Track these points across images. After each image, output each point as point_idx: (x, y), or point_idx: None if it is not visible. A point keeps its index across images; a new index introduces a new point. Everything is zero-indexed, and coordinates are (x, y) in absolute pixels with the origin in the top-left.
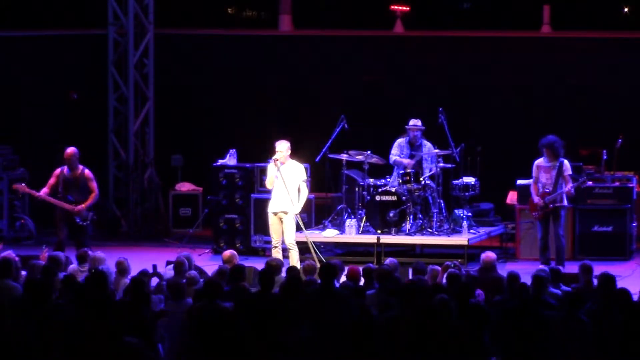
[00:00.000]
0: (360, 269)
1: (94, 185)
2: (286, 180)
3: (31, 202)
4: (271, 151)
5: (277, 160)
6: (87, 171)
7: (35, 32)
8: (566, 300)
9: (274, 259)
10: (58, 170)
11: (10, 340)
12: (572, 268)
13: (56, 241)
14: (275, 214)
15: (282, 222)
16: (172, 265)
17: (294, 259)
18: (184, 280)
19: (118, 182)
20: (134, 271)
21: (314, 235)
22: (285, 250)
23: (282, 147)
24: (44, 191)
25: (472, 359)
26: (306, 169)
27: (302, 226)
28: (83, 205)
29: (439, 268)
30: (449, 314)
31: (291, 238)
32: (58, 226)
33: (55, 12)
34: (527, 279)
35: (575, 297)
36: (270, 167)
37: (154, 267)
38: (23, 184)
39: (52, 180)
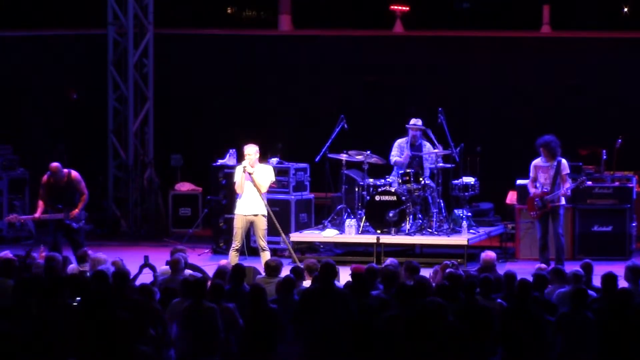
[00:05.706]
0: (364, 268)
1: (82, 186)
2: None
3: (31, 202)
4: (270, 152)
5: (248, 165)
6: (73, 174)
7: (36, 32)
8: (571, 298)
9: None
10: (45, 179)
11: (9, 340)
12: (572, 268)
13: (51, 241)
14: (246, 216)
15: (252, 224)
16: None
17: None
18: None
19: (118, 182)
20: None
21: (313, 235)
22: (255, 251)
23: (251, 150)
24: (40, 209)
25: (472, 359)
26: (275, 169)
27: (280, 229)
28: (76, 210)
29: (426, 276)
30: (447, 314)
31: (264, 240)
32: (51, 227)
33: (55, 12)
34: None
35: (580, 295)
36: (239, 172)
37: (146, 258)
38: (14, 214)
39: (42, 192)
